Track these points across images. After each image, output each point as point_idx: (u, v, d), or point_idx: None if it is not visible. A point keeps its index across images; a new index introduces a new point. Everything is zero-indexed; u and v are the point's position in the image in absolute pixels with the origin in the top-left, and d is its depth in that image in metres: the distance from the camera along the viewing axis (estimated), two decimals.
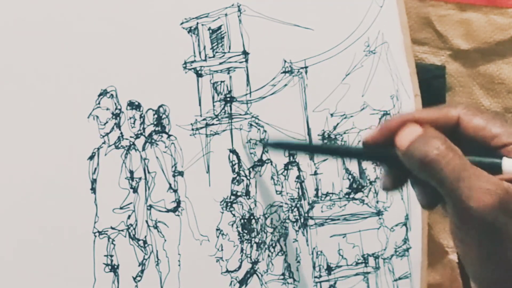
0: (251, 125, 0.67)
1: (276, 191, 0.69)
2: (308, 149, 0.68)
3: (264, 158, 0.68)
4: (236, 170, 0.66)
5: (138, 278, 0.60)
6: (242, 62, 0.67)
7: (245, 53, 0.68)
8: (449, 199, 0.52)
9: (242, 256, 0.66)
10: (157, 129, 0.61)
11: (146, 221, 0.60)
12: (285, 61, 0.70)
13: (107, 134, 0.59)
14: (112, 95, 0.59)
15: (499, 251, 0.52)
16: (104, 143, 0.58)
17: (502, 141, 0.54)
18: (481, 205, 0.51)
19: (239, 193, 0.66)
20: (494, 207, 0.51)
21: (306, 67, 0.72)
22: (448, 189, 0.52)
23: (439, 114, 0.55)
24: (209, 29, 0.65)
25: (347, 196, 0.75)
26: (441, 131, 0.54)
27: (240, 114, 0.67)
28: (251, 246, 0.67)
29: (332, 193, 0.74)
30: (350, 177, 0.75)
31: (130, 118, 0.60)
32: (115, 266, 0.58)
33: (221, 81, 0.66)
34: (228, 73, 0.67)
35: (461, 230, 0.53)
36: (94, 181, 0.57)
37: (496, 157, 0.53)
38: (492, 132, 0.54)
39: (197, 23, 0.64)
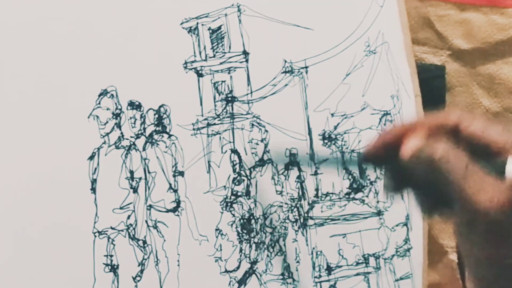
0: (252, 125, 0.67)
1: (276, 191, 0.69)
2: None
3: (265, 158, 0.68)
4: (237, 170, 0.66)
5: (138, 278, 0.60)
6: (242, 62, 0.67)
7: (245, 53, 0.68)
8: (456, 198, 0.53)
9: (241, 256, 0.66)
10: (157, 129, 0.61)
11: (146, 221, 0.60)
12: (285, 61, 0.70)
13: (107, 134, 0.58)
14: (112, 95, 0.59)
15: (504, 251, 0.52)
16: (104, 143, 0.58)
17: (501, 146, 0.54)
18: (489, 203, 0.51)
19: (239, 193, 0.66)
20: (503, 206, 0.51)
21: (306, 67, 0.72)
22: (456, 188, 0.52)
23: (438, 121, 0.56)
24: (209, 29, 0.65)
25: (347, 196, 0.75)
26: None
27: (242, 114, 0.67)
28: (250, 246, 0.67)
29: (332, 193, 0.74)
30: (350, 177, 0.75)
31: (131, 118, 0.60)
32: (115, 266, 0.58)
33: (222, 81, 0.66)
34: (229, 73, 0.67)
35: (467, 229, 0.53)
36: (94, 181, 0.57)
37: (495, 163, 0.54)
38: (490, 139, 0.55)
39: (197, 23, 0.64)
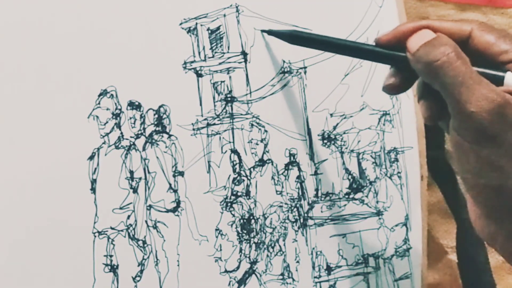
0: (252, 125, 0.67)
1: (276, 191, 0.69)
2: (319, 43, 0.66)
3: (265, 158, 0.69)
4: (237, 170, 0.66)
5: (138, 278, 0.60)
6: (241, 62, 0.67)
7: (244, 53, 0.68)
8: (451, 104, 0.54)
9: (240, 256, 0.66)
10: (157, 129, 0.62)
11: (146, 221, 0.60)
12: (284, 62, 0.71)
13: (107, 134, 0.59)
14: (112, 95, 0.59)
15: (494, 158, 0.53)
16: (104, 143, 0.58)
17: (509, 57, 0.55)
18: (479, 110, 0.53)
19: (239, 193, 0.66)
20: (492, 113, 0.53)
21: (305, 67, 0.72)
22: (451, 93, 0.54)
23: (453, 26, 0.58)
24: (208, 29, 0.66)
25: (347, 196, 0.75)
26: None
27: (241, 114, 0.67)
28: (250, 246, 0.67)
29: (332, 193, 0.74)
30: (350, 177, 0.75)
31: (130, 118, 0.60)
32: (115, 266, 0.58)
33: (221, 81, 0.66)
34: (228, 73, 0.67)
35: (460, 135, 0.55)
36: (94, 181, 0.57)
37: (501, 71, 0.55)
38: (501, 48, 0.56)
39: (196, 24, 0.65)
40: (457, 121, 0.54)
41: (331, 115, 0.74)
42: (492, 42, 0.56)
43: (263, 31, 0.68)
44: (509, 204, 0.55)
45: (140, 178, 0.60)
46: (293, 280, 0.70)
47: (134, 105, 0.60)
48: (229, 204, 0.66)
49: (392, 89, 0.60)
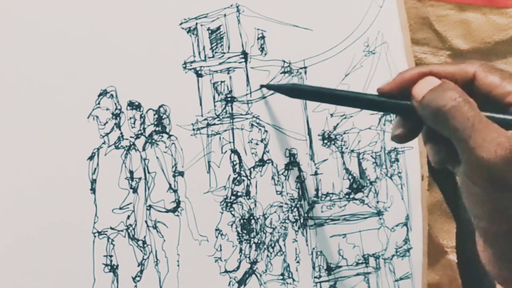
0: (252, 125, 0.67)
1: (277, 191, 0.69)
2: (321, 95, 0.65)
3: (265, 158, 0.69)
4: (237, 170, 0.66)
5: (138, 278, 0.60)
6: (241, 62, 0.67)
7: (244, 53, 0.68)
8: (461, 149, 0.53)
9: (240, 256, 0.66)
10: (157, 129, 0.61)
11: (146, 221, 0.60)
12: (284, 62, 0.71)
13: (107, 134, 0.59)
14: (112, 95, 0.59)
15: (506, 203, 0.53)
16: (104, 143, 0.58)
17: None
18: (492, 156, 0.52)
19: (239, 193, 0.66)
20: (505, 159, 0.52)
21: (305, 68, 0.72)
22: (461, 139, 0.53)
23: (456, 69, 0.57)
24: (208, 29, 0.65)
25: (347, 196, 0.75)
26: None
27: (241, 114, 0.67)
28: (250, 246, 0.67)
29: (332, 193, 0.74)
30: (350, 177, 0.75)
31: (130, 118, 0.60)
32: (115, 266, 0.58)
33: (221, 81, 0.66)
34: (228, 73, 0.67)
35: (471, 181, 0.54)
36: (93, 181, 0.57)
37: (509, 113, 0.54)
38: (506, 89, 0.55)
39: (196, 24, 0.65)
40: (468, 166, 0.53)
41: (332, 115, 0.74)
42: (497, 83, 0.55)
43: (262, 86, 0.68)
44: None
45: (140, 178, 0.60)
46: (293, 280, 0.70)
47: (134, 105, 0.60)
48: (229, 204, 0.66)
49: (401, 139, 0.59)
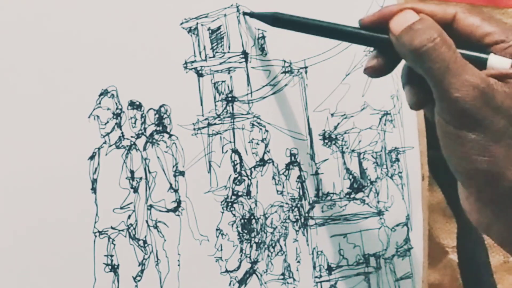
0: (253, 125, 0.67)
1: (277, 191, 0.69)
2: (301, 25, 0.65)
3: (266, 158, 0.69)
4: (238, 170, 0.66)
5: (138, 278, 0.60)
6: (242, 62, 0.67)
7: (244, 53, 0.68)
8: (435, 89, 0.54)
9: (241, 256, 0.66)
10: (158, 129, 0.62)
11: (146, 221, 0.60)
12: (284, 61, 0.71)
13: (107, 134, 0.59)
14: (113, 95, 0.59)
15: (482, 142, 0.53)
16: (104, 143, 0.58)
17: (494, 39, 0.56)
18: (464, 96, 0.53)
19: (240, 193, 0.66)
20: (477, 99, 0.53)
21: (306, 67, 0.72)
22: (436, 79, 0.54)
23: (437, 9, 0.57)
24: (208, 29, 0.66)
25: (348, 196, 0.75)
26: None
27: (242, 114, 0.67)
28: (251, 246, 0.67)
29: (333, 193, 0.74)
30: (351, 177, 0.75)
31: (131, 118, 0.60)
32: (115, 266, 0.58)
33: (222, 81, 0.66)
34: (229, 73, 0.67)
35: (445, 120, 0.55)
36: (94, 181, 0.57)
37: (484, 53, 0.55)
38: (485, 30, 0.56)
39: (197, 23, 0.65)
40: (442, 106, 0.54)
41: (332, 115, 0.74)
42: (477, 24, 0.56)
43: (244, 13, 0.67)
44: (502, 191, 0.55)
45: (140, 178, 0.60)
46: (294, 280, 0.70)
47: (134, 105, 0.60)
48: (229, 204, 0.66)
49: (374, 72, 0.60)
